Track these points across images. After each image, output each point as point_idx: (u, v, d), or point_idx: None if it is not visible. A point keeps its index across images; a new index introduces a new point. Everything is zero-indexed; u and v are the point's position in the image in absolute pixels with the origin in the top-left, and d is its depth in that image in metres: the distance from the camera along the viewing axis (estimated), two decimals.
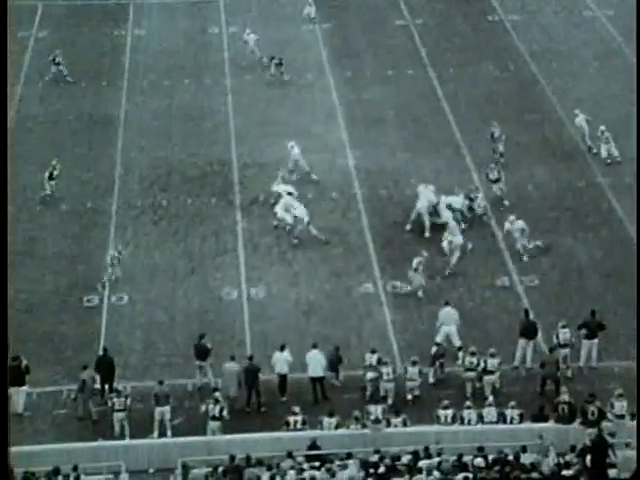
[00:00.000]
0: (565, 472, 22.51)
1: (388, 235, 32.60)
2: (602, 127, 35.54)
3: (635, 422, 24.07)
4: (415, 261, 29.71)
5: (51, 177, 34.10)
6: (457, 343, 27.29)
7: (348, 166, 36.17)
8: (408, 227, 32.50)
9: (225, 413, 25.03)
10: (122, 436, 25.21)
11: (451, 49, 44.00)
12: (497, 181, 33.67)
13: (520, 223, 31.17)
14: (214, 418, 24.97)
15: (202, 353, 26.65)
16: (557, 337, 26.91)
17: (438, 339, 27.29)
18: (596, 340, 27.17)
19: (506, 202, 33.45)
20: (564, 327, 27.00)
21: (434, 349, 26.89)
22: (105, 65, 43.15)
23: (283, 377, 26.55)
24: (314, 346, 26.69)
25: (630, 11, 45.26)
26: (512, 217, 31.45)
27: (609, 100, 39.34)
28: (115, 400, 25.34)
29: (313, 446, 23.84)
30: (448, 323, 27.58)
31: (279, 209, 32.24)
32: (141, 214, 33.88)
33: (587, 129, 36.11)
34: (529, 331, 27.29)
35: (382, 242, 32.32)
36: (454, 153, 36.67)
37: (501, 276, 30.70)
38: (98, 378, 26.20)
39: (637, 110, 36.64)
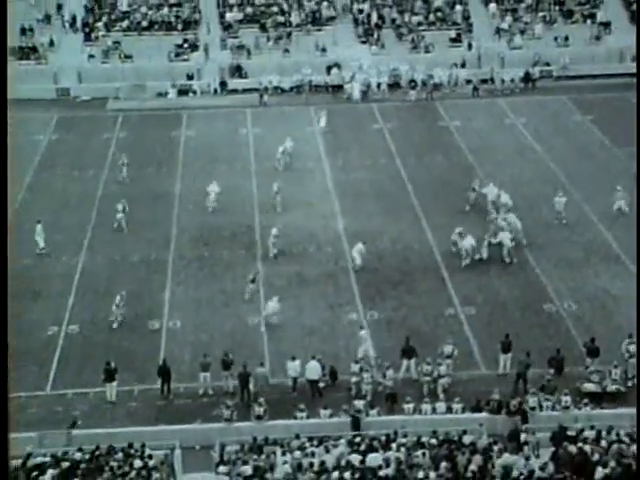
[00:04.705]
0: (495, 447, 22.62)
1: (368, 278, 32.75)
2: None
3: None
4: None
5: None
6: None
7: (339, 228, 36.47)
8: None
9: (234, 415, 24.74)
10: None
11: (412, 144, 44.49)
12: None
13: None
14: (226, 420, 24.59)
15: (226, 365, 26.73)
16: (442, 350, 26.69)
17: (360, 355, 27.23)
18: (510, 354, 27.11)
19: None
20: (449, 344, 26.90)
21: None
22: (165, 156, 43.65)
23: (295, 380, 26.62)
24: (313, 358, 26.85)
25: (539, 119, 46.12)
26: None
27: (524, 181, 39.94)
28: None
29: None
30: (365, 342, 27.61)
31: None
32: (190, 262, 34.07)
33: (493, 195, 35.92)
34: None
35: (363, 282, 32.47)
36: (414, 218, 37.03)
37: (448, 307, 30.81)
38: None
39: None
